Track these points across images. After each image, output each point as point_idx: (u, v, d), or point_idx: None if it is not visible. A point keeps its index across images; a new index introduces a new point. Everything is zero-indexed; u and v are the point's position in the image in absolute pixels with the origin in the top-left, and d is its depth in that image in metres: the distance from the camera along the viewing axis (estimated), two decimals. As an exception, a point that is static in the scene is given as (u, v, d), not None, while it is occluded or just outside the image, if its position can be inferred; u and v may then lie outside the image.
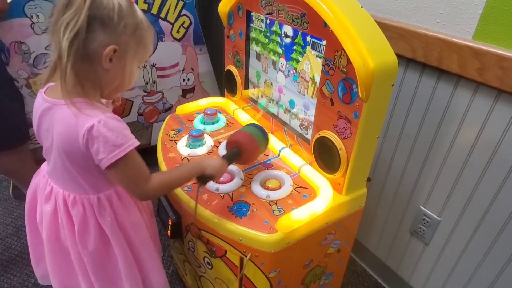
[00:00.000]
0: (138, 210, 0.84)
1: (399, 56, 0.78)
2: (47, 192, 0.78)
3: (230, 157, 0.85)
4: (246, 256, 0.83)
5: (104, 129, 0.65)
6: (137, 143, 0.69)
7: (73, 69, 0.64)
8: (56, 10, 0.62)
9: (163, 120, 1.24)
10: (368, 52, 0.69)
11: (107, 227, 0.78)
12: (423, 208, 1.08)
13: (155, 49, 1.56)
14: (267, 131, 0.93)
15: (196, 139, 1.05)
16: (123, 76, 0.71)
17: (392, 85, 0.77)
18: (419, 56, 0.93)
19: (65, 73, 0.63)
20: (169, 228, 1.00)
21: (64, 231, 0.78)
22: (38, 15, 1.26)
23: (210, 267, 0.97)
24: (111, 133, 0.65)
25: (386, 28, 0.92)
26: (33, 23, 1.27)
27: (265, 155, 1.05)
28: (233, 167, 0.97)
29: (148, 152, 1.14)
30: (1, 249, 1.40)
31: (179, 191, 0.91)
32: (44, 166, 0.84)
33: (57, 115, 0.68)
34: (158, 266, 0.91)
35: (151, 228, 0.92)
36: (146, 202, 0.92)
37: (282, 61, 0.99)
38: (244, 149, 0.86)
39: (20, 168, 1.35)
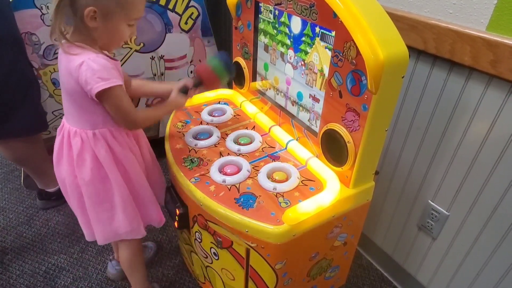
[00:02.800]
0: (131, 150, 0.93)
1: (410, 48, 0.77)
2: (60, 127, 0.91)
3: (185, 90, 1.00)
4: (251, 247, 0.83)
5: (93, 63, 0.76)
6: (120, 82, 0.80)
7: (63, 24, 0.77)
8: None
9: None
10: (378, 43, 0.68)
11: (102, 158, 0.87)
12: (432, 203, 1.07)
13: (163, 40, 1.56)
14: (231, 60, 1.02)
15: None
16: (111, 34, 0.81)
17: (402, 77, 0.75)
18: (430, 48, 0.91)
19: (54, 26, 0.77)
20: (176, 219, 1.01)
21: (64, 161, 0.89)
22: (47, 6, 1.27)
23: (216, 258, 0.98)
24: (98, 67, 0.77)
25: (397, 19, 0.91)
26: (42, 14, 1.27)
27: (272, 147, 1.05)
28: (240, 159, 0.97)
29: (156, 144, 1.15)
30: (13, 237, 1.43)
31: (186, 183, 0.92)
32: None
33: (61, 56, 0.82)
34: (153, 200, 1.01)
35: (153, 169, 1.04)
36: (148, 147, 1.03)
37: (291, 52, 0.98)
38: (205, 81, 1.00)
39: (32, 157, 1.38)
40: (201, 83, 1.00)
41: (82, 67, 0.76)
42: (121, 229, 0.95)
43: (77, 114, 0.86)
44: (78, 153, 0.87)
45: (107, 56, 0.83)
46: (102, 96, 0.79)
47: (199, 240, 1.00)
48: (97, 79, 0.77)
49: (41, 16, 1.27)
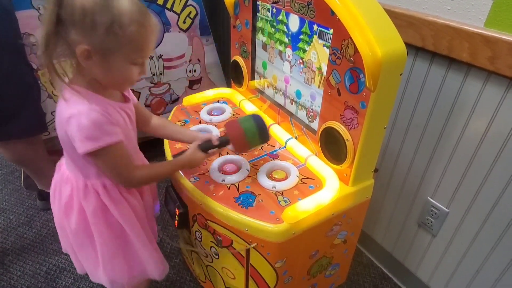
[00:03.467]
0: (127, 205, 0.82)
1: (408, 44, 0.77)
2: (59, 164, 0.86)
3: (208, 147, 0.87)
4: (250, 245, 0.83)
5: (83, 120, 0.66)
6: (115, 139, 0.70)
7: (52, 61, 0.65)
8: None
9: (170, 111, 1.24)
10: (376, 40, 0.68)
11: (89, 213, 0.79)
12: (431, 200, 1.07)
13: (161, 40, 1.56)
14: (266, 127, 0.88)
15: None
16: (113, 74, 0.69)
17: (401, 75, 0.75)
18: (428, 45, 0.91)
19: (49, 67, 0.64)
20: (176, 219, 1.01)
21: (56, 199, 0.84)
22: (45, 7, 1.26)
23: (216, 257, 0.98)
24: (88, 125, 0.66)
25: (395, 16, 0.91)
26: (40, 14, 1.27)
27: (271, 145, 1.05)
28: (239, 158, 0.97)
29: (155, 143, 1.15)
30: (14, 238, 1.43)
31: (186, 182, 0.92)
32: None
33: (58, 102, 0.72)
34: (151, 254, 0.89)
35: (148, 208, 0.93)
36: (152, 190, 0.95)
37: (289, 51, 0.98)
38: (231, 140, 0.87)
39: (32, 158, 1.38)
40: (228, 145, 0.88)
41: (71, 121, 0.66)
42: (107, 278, 0.88)
43: (70, 160, 0.78)
44: (67, 202, 0.80)
45: (118, 98, 0.76)
46: (91, 155, 0.69)
47: (199, 239, 1.00)
48: (83, 139, 0.66)
49: (38, 16, 1.27)
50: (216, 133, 1.09)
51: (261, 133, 0.87)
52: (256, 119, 0.87)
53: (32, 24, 1.27)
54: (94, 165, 0.75)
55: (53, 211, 0.88)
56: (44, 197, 1.53)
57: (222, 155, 1.00)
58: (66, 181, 0.80)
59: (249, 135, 0.85)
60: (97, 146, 0.67)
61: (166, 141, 1.06)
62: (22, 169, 1.64)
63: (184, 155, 0.85)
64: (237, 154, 0.98)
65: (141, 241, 0.86)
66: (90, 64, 0.66)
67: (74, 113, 0.66)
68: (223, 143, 0.88)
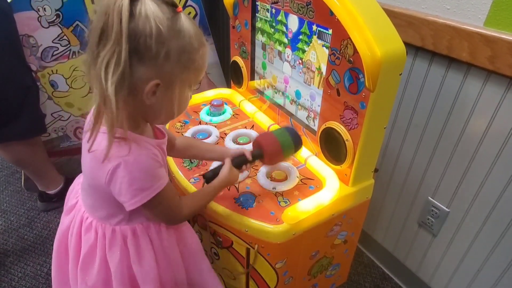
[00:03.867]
0: (153, 253, 0.71)
1: (407, 44, 0.77)
2: (72, 204, 0.74)
3: (241, 163, 0.82)
4: (253, 248, 0.83)
5: (132, 169, 0.58)
6: (165, 182, 0.63)
7: (121, 113, 0.54)
8: (90, 40, 0.53)
9: (170, 112, 1.24)
10: (375, 40, 0.68)
11: (113, 263, 0.69)
12: (432, 199, 1.06)
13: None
14: (300, 136, 0.86)
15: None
16: (171, 106, 0.61)
17: (400, 75, 0.75)
18: (428, 44, 0.91)
19: (116, 120, 0.53)
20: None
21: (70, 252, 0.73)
22: (44, 8, 1.27)
23: (217, 257, 0.98)
24: (140, 176, 0.59)
25: (394, 16, 0.91)
26: (39, 16, 1.27)
27: (271, 146, 1.04)
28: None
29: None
30: (15, 240, 1.43)
31: (185, 183, 0.92)
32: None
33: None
34: None
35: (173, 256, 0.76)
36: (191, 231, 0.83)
37: (288, 51, 0.98)
38: (266, 153, 0.82)
39: (32, 159, 1.38)
40: (262, 157, 0.83)
41: (118, 173, 0.57)
42: None
43: (97, 205, 0.69)
44: (87, 252, 0.69)
45: (153, 134, 0.67)
46: (142, 207, 0.62)
47: (200, 240, 1.00)
48: (135, 191, 0.59)
49: (38, 18, 1.27)
50: (216, 133, 1.08)
51: (296, 144, 0.84)
52: (290, 130, 0.85)
53: (32, 25, 1.27)
54: (126, 210, 0.64)
55: (57, 264, 0.77)
56: (45, 198, 1.53)
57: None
58: (87, 229, 0.69)
59: (285, 149, 0.82)
60: (151, 196, 0.61)
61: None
62: (22, 171, 1.65)
63: (221, 176, 0.77)
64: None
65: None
66: (153, 101, 0.57)
67: (120, 163, 0.57)
68: (256, 157, 0.83)
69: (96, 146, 0.58)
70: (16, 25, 1.19)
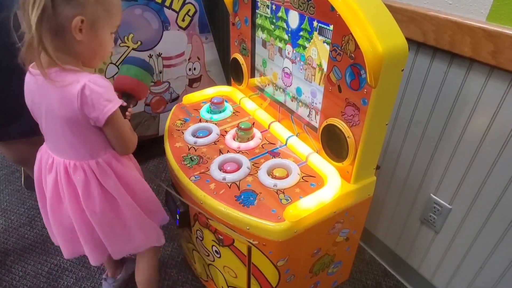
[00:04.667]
0: (132, 165, 0.89)
1: (409, 40, 0.76)
2: (49, 163, 0.82)
3: (123, 113, 0.86)
4: (253, 244, 0.83)
5: (95, 86, 0.69)
6: (120, 100, 0.75)
7: (49, 44, 0.66)
8: None
9: (170, 110, 1.23)
10: (376, 36, 0.67)
11: (111, 188, 0.81)
12: (434, 196, 1.06)
13: (161, 38, 1.55)
14: (140, 58, 0.94)
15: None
16: (98, 45, 0.73)
17: (402, 70, 0.74)
18: (430, 40, 0.90)
19: (38, 49, 0.66)
20: (177, 217, 1.00)
21: (66, 200, 0.82)
22: None
23: (218, 255, 0.97)
24: (102, 90, 0.70)
25: (396, 11, 0.90)
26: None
27: (272, 143, 1.04)
28: (240, 156, 0.97)
29: (155, 142, 1.14)
30: (15, 239, 1.43)
31: (186, 181, 0.91)
32: (45, 143, 0.87)
33: (45, 85, 0.70)
34: (157, 200, 0.96)
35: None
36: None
37: (289, 47, 0.97)
38: (134, 93, 0.91)
39: (33, 158, 1.37)
40: (133, 98, 0.91)
41: (85, 92, 0.68)
42: (141, 245, 0.94)
43: (75, 146, 0.78)
44: (83, 188, 0.80)
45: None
46: (109, 121, 0.72)
47: (201, 238, 1.00)
48: (104, 102, 0.70)
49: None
50: (216, 131, 1.08)
51: (147, 69, 0.92)
52: (133, 61, 0.91)
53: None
54: (102, 140, 0.78)
55: (59, 214, 0.85)
56: (45, 197, 1.53)
57: (222, 153, 0.99)
58: (75, 170, 0.79)
59: (141, 78, 0.90)
60: (116, 107, 0.72)
61: (166, 139, 1.06)
62: (22, 170, 1.64)
63: None
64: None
65: (150, 196, 0.92)
66: (80, 37, 0.68)
67: (85, 84, 0.68)
68: (128, 100, 0.89)
69: (55, 81, 0.68)
70: (18, 21, 1.18)
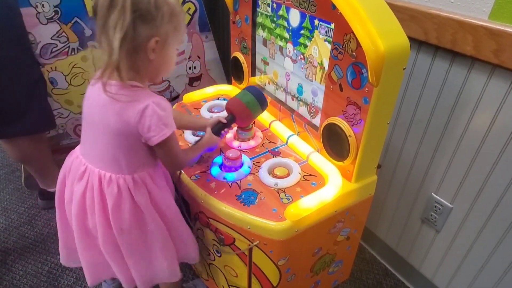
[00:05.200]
0: (169, 190, 0.87)
1: (410, 38, 0.75)
2: (81, 171, 0.80)
3: (219, 129, 0.94)
4: (253, 243, 0.83)
5: (158, 108, 0.71)
6: (172, 124, 0.76)
7: (124, 64, 0.68)
8: (100, 11, 0.66)
9: (170, 108, 1.23)
10: (378, 34, 0.67)
11: (143, 206, 0.80)
12: (435, 195, 1.06)
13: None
14: (263, 94, 0.98)
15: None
16: (166, 62, 0.76)
17: (404, 69, 0.74)
18: (431, 38, 0.89)
19: (117, 68, 0.68)
20: (178, 217, 1.00)
21: (94, 211, 0.80)
22: (43, 4, 1.25)
23: (219, 255, 0.97)
24: (164, 113, 0.72)
25: (397, 10, 0.89)
26: (38, 12, 1.26)
27: (272, 142, 1.04)
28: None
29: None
30: (16, 238, 1.43)
31: (187, 180, 0.91)
32: (78, 149, 0.85)
33: (98, 97, 0.73)
34: (192, 237, 0.94)
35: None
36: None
37: (290, 46, 0.97)
38: (238, 116, 0.96)
39: (37, 156, 1.37)
40: (234, 121, 0.96)
41: (147, 112, 0.70)
42: (160, 273, 0.91)
43: (117, 157, 0.77)
44: (114, 202, 0.78)
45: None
46: (163, 143, 0.73)
47: (201, 238, 1.00)
48: (162, 126, 0.71)
49: (36, 14, 1.26)
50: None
51: (261, 102, 0.96)
52: (252, 90, 0.97)
53: (30, 21, 1.25)
54: (144, 157, 0.79)
55: (82, 223, 0.83)
56: (45, 196, 1.52)
57: (222, 152, 0.99)
58: (109, 183, 0.78)
59: (251, 106, 0.95)
60: (172, 131, 0.74)
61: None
62: (22, 169, 1.64)
63: (204, 139, 0.91)
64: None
65: (182, 224, 0.90)
66: (153, 57, 0.71)
67: (149, 104, 0.70)
68: (230, 120, 0.95)
69: (117, 94, 0.70)
70: (22, 19, 1.18)
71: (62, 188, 0.87)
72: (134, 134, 0.73)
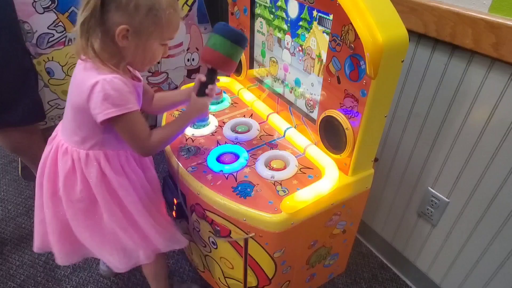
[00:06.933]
0: (126, 177, 0.84)
1: (410, 31, 0.75)
2: (52, 136, 0.86)
3: (202, 89, 0.85)
4: (248, 235, 0.83)
5: (107, 86, 0.70)
6: (135, 108, 0.74)
7: (97, 43, 0.71)
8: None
9: (167, 100, 1.22)
10: (377, 26, 0.66)
11: (93, 181, 0.81)
12: (431, 190, 1.06)
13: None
14: (236, 30, 0.83)
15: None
16: (143, 53, 0.75)
17: (402, 62, 0.73)
18: (431, 31, 0.89)
19: (82, 45, 0.71)
20: (174, 209, 1.00)
21: (45, 173, 0.83)
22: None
23: (215, 246, 0.97)
24: (113, 92, 0.70)
25: (397, 2, 0.88)
26: (34, 1, 1.24)
27: (270, 135, 1.03)
28: (238, 147, 0.96)
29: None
30: (12, 228, 1.43)
31: (184, 172, 0.91)
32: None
33: (76, 73, 0.76)
34: (152, 225, 0.89)
35: (153, 184, 0.93)
36: (148, 159, 0.93)
37: (288, 38, 0.96)
38: (217, 66, 0.84)
39: (30, 147, 1.36)
40: (215, 73, 0.85)
41: (96, 88, 0.70)
42: (109, 251, 0.89)
43: (74, 131, 0.79)
44: (66, 173, 0.80)
45: (130, 77, 0.78)
46: (113, 121, 0.73)
47: (197, 230, 1.00)
48: (108, 104, 0.70)
49: (32, 3, 1.24)
50: (214, 122, 1.07)
51: (232, 38, 0.81)
52: (218, 29, 0.82)
53: (26, 10, 1.24)
54: (100, 135, 0.78)
55: (40, 188, 0.87)
56: (42, 187, 1.52)
57: (220, 144, 0.98)
58: (64, 153, 0.80)
59: (222, 49, 0.81)
60: (119, 113, 0.71)
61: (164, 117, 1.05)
62: (19, 159, 1.63)
63: (188, 107, 0.86)
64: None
65: (141, 215, 0.87)
66: (124, 44, 0.71)
67: (98, 81, 0.70)
68: (210, 75, 0.85)
69: (79, 73, 0.74)
70: (14, 7, 1.16)
71: (42, 174, 0.87)
72: (86, 109, 0.73)
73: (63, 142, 0.81)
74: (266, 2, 0.99)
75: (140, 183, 0.88)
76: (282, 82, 1.05)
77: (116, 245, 0.88)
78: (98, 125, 0.74)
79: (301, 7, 0.86)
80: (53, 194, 0.85)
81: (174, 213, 1.02)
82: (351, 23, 0.70)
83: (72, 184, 0.81)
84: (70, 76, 1.38)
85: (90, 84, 0.70)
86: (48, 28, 1.30)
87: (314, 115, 0.95)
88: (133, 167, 0.86)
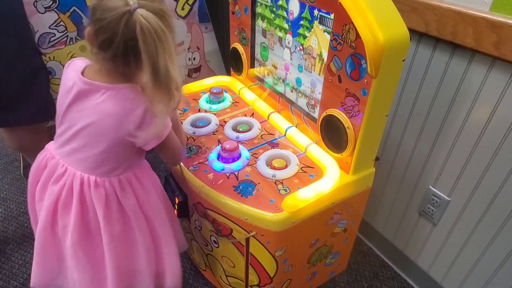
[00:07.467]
0: (156, 193, 0.83)
1: (411, 30, 0.75)
2: (60, 173, 0.75)
3: None
4: (250, 233, 0.83)
5: (152, 114, 0.69)
6: (170, 124, 0.74)
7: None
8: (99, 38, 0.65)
9: (169, 99, 1.22)
10: (378, 25, 0.66)
11: (130, 209, 0.77)
12: (432, 188, 1.06)
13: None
14: None
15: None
16: None
17: (403, 61, 0.74)
18: (432, 30, 0.89)
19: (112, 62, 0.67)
20: (176, 208, 1.00)
21: (70, 211, 0.74)
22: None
23: (216, 245, 0.97)
24: (157, 120, 0.69)
25: (398, 1, 0.88)
26: (36, 1, 1.24)
27: (271, 134, 1.03)
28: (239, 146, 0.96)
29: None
30: (15, 227, 1.44)
31: (185, 171, 0.91)
32: (50, 146, 0.81)
33: (103, 98, 0.69)
34: (175, 251, 0.88)
35: (168, 208, 0.90)
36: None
37: (289, 37, 0.96)
38: None
39: (36, 146, 1.35)
40: None
41: (147, 116, 0.67)
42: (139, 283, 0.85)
43: (102, 161, 0.73)
44: (105, 207, 0.74)
45: None
46: (157, 147, 0.72)
47: (199, 228, 1.00)
48: (154, 134, 0.69)
49: (34, 3, 1.24)
50: (215, 121, 1.07)
51: None
52: None
53: (27, 10, 1.23)
54: (132, 157, 0.76)
55: (48, 218, 0.77)
56: (44, 186, 1.52)
57: (220, 143, 0.98)
58: (96, 186, 0.74)
59: None
60: (168, 133, 0.73)
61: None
62: (21, 159, 1.64)
63: (177, 115, 0.86)
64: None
65: (168, 235, 0.85)
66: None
67: (146, 108, 0.68)
68: None
69: (114, 101, 0.69)
70: (23, 5, 1.16)
71: (34, 190, 0.81)
72: (127, 139, 0.70)
73: (87, 175, 0.73)
74: (267, 1, 0.99)
75: (160, 193, 0.86)
76: (283, 81, 1.06)
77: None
78: (136, 150, 0.72)
79: (302, 6, 0.86)
80: (81, 229, 0.76)
81: (175, 212, 1.02)
82: (352, 22, 0.70)
83: (111, 216, 0.76)
84: (72, 76, 1.40)
85: (139, 114, 0.67)
86: (49, 27, 1.30)
87: (315, 114, 0.95)
88: (152, 180, 0.84)
